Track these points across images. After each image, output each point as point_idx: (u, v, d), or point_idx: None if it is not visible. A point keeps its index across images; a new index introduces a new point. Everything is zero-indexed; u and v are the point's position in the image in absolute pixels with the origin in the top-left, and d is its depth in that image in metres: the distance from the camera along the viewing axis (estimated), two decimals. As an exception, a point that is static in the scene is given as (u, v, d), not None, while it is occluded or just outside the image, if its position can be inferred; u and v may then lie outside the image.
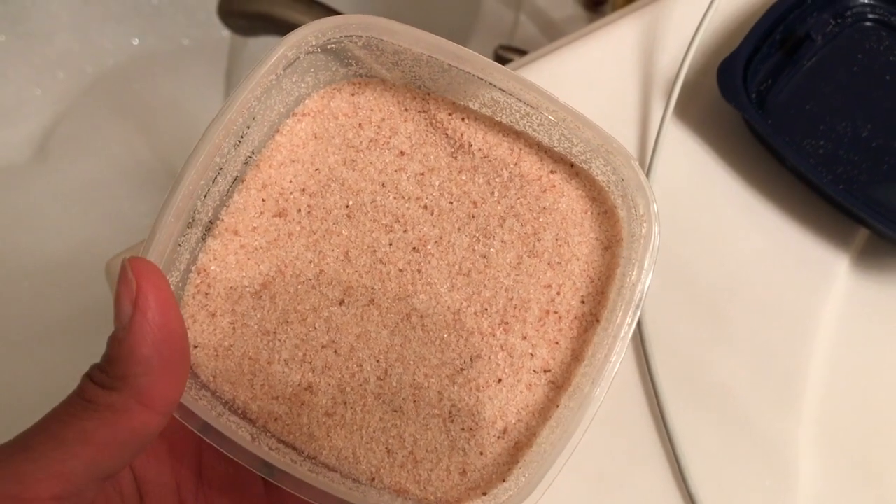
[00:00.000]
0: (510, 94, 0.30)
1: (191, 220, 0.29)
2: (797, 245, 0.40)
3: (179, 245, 0.29)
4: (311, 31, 0.29)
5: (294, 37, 0.29)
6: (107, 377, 0.23)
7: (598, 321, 0.30)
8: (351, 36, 0.30)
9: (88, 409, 0.23)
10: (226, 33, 0.71)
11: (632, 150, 0.40)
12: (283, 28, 0.60)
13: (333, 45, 0.30)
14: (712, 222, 0.39)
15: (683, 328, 0.37)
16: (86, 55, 0.87)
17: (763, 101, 0.41)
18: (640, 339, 0.37)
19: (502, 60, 0.65)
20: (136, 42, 0.88)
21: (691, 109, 0.41)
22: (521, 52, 0.63)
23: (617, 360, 0.28)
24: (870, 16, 0.43)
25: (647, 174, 0.39)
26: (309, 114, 0.32)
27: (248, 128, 0.30)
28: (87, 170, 0.79)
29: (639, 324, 0.37)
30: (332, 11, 0.61)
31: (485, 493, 0.28)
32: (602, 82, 0.42)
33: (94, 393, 0.23)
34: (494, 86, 0.30)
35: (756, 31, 0.40)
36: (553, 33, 0.71)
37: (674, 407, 0.36)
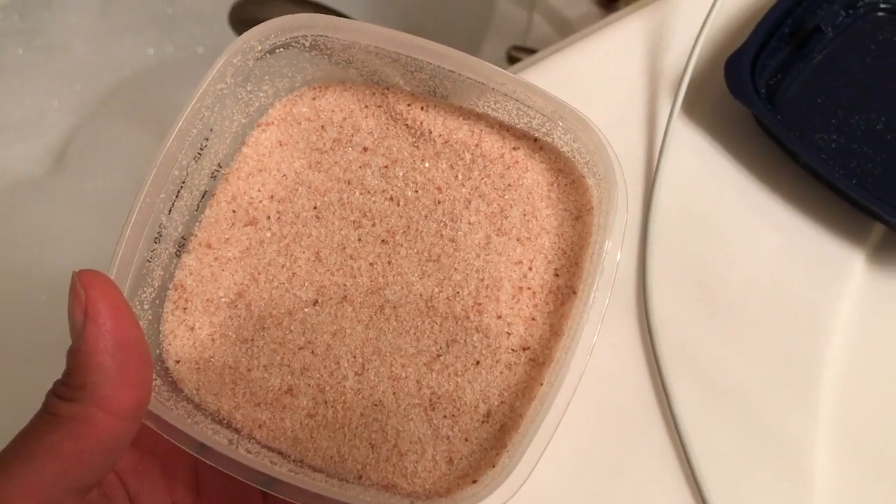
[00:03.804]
0: (461, 74, 0.29)
1: (157, 235, 0.29)
2: (811, 242, 0.38)
3: (149, 260, 0.29)
4: (254, 35, 0.29)
5: (237, 43, 0.29)
6: (67, 389, 0.23)
7: (574, 293, 0.29)
8: (297, 36, 0.30)
9: (53, 423, 0.23)
10: (240, 41, 0.73)
11: (640, 147, 0.39)
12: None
13: (282, 48, 0.30)
14: (723, 220, 0.38)
15: (695, 327, 0.36)
16: (102, 66, 0.88)
17: (773, 96, 0.39)
18: (650, 340, 0.35)
19: (514, 61, 0.65)
20: (151, 52, 0.89)
21: (699, 106, 0.40)
22: (534, 52, 0.63)
23: (593, 328, 0.27)
24: (882, 6, 0.41)
25: (656, 172, 0.38)
26: (273, 123, 0.32)
27: (207, 140, 0.30)
28: (105, 180, 0.80)
29: (649, 323, 0.35)
30: (341, 17, 0.62)
31: (475, 481, 0.27)
32: (609, 80, 0.41)
33: (57, 406, 0.23)
34: (444, 68, 0.29)
35: (764, 24, 0.39)
36: (567, 32, 0.70)
37: (685, 407, 0.34)
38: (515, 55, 0.68)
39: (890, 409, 0.35)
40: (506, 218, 0.30)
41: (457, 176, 0.30)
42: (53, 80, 0.87)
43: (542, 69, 0.41)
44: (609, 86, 0.41)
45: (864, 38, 0.40)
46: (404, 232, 0.30)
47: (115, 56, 0.88)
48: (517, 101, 0.29)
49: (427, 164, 0.31)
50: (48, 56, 0.87)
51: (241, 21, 0.69)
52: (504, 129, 0.31)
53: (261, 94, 0.32)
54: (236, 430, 0.29)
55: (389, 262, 0.30)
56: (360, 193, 0.31)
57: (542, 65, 0.41)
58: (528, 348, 0.28)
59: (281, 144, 0.32)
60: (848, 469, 0.34)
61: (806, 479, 0.34)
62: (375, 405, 0.28)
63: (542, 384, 0.28)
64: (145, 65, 0.89)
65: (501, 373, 0.28)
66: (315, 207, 0.31)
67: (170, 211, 0.29)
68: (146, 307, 0.29)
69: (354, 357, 0.29)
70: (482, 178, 0.30)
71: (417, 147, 0.31)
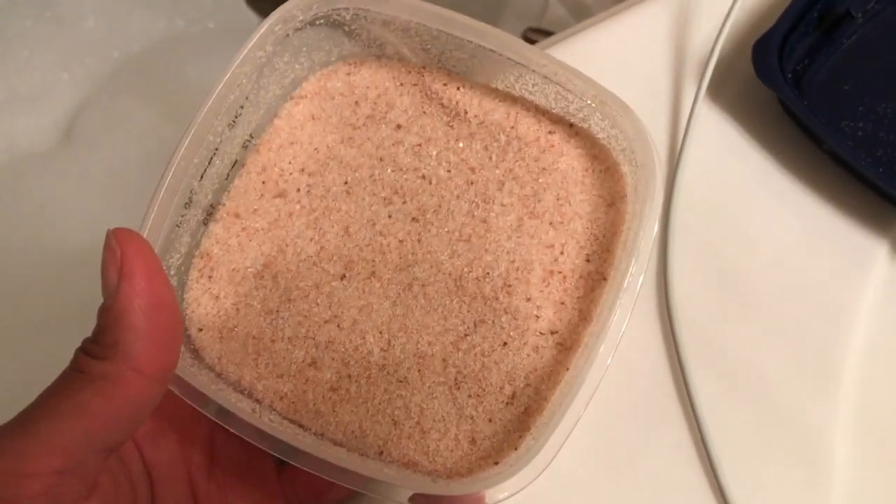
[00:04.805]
0: (501, 54, 0.29)
1: (188, 201, 0.29)
2: (834, 230, 0.37)
3: (178, 226, 0.29)
4: (297, 5, 0.29)
5: (279, 12, 0.29)
6: (98, 347, 0.23)
7: (605, 279, 0.29)
8: (338, 8, 0.30)
9: (82, 380, 0.23)
10: (252, 16, 0.70)
11: (663, 131, 0.39)
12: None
13: (322, 21, 0.30)
14: (746, 206, 0.38)
15: (716, 315, 0.36)
16: (112, 40, 0.86)
17: (799, 82, 0.39)
18: (670, 326, 0.35)
19: (530, 42, 0.65)
20: (161, 26, 0.88)
21: (725, 90, 0.40)
22: (550, 34, 0.63)
23: (623, 313, 0.27)
24: (913, -8, 0.41)
25: (679, 156, 0.37)
26: (306, 96, 0.32)
27: (242, 108, 0.30)
28: (112, 155, 0.79)
29: (669, 309, 0.35)
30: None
31: (496, 463, 0.27)
32: (632, 62, 0.40)
33: (86, 364, 0.23)
34: (485, 47, 0.29)
35: (793, 8, 0.38)
36: (583, 14, 0.70)
37: (705, 395, 0.34)
38: (531, 37, 0.68)
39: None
40: (539, 201, 0.30)
41: (491, 157, 0.30)
42: (62, 53, 0.86)
43: (562, 50, 0.40)
44: (633, 68, 0.40)
45: (894, 24, 0.40)
46: (435, 211, 0.30)
47: (124, 30, 0.87)
48: (556, 83, 0.29)
49: (461, 145, 0.31)
50: (58, 28, 0.86)
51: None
52: (540, 112, 0.31)
53: (297, 66, 0.31)
54: (257, 401, 0.29)
55: (419, 240, 0.30)
56: (392, 170, 0.31)
57: (563, 46, 0.41)
58: (556, 332, 0.28)
59: (314, 118, 0.32)
60: (867, 459, 0.34)
61: (825, 468, 0.33)
62: (400, 381, 0.28)
63: (568, 369, 0.28)
64: (155, 39, 0.87)
65: (528, 355, 0.28)
66: (346, 182, 0.31)
67: (201, 177, 0.29)
68: (172, 273, 0.29)
69: (380, 333, 0.29)
70: (516, 161, 0.30)
71: (452, 127, 0.31)
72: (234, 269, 0.30)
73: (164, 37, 0.88)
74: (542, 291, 0.29)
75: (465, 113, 0.31)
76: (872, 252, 0.37)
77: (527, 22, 0.70)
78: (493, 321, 0.28)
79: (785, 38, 0.38)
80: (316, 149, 0.32)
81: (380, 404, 0.28)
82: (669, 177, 0.38)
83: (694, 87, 0.39)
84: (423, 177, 0.30)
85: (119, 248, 0.23)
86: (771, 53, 0.37)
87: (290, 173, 0.31)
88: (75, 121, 0.83)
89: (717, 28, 0.39)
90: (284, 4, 0.29)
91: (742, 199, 0.38)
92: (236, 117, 0.30)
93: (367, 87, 0.32)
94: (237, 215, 0.31)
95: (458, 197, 0.30)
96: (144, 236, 0.27)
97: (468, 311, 0.29)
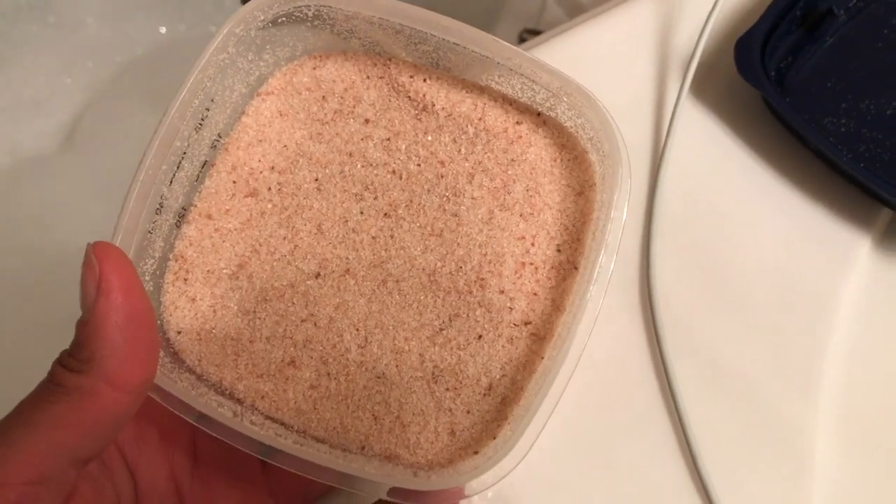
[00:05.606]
0: (465, 48, 0.29)
1: (158, 206, 0.29)
2: (817, 226, 0.38)
3: (150, 232, 0.29)
4: (257, 5, 0.29)
5: (240, 13, 0.29)
6: (74, 360, 0.23)
7: (576, 269, 0.29)
8: (300, 6, 0.29)
9: (57, 393, 0.23)
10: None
11: (647, 128, 0.39)
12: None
13: (284, 18, 0.30)
14: (730, 203, 0.38)
15: (698, 310, 0.36)
16: (114, 44, 0.87)
17: (782, 79, 0.39)
18: (652, 321, 0.35)
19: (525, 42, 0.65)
20: (163, 30, 0.89)
21: (708, 88, 0.40)
22: (546, 34, 0.63)
23: (596, 301, 0.27)
24: (895, -11, 0.41)
25: (662, 154, 0.37)
26: (273, 92, 0.32)
27: (208, 110, 0.30)
28: (115, 158, 0.79)
29: (651, 304, 0.35)
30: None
31: (476, 452, 0.28)
32: (618, 60, 0.40)
33: (62, 377, 0.23)
34: (448, 41, 0.29)
35: (775, 6, 0.38)
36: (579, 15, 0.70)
37: (686, 389, 0.34)
38: (527, 37, 0.68)
39: (891, 393, 0.35)
40: (509, 193, 0.30)
41: (460, 150, 0.30)
42: (66, 58, 0.86)
43: (550, 49, 0.40)
44: (618, 66, 0.40)
45: (876, 22, 0.40)
46: (407, 206, 0.30)
47: (127, 34, 0.88)
48: (522, 75, 0.29)
49: (430, 138, 0.31)
50: (61, 33, 0.87)
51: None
52: (508, 102, 0.31)
53: (261, 64, 0.31)
54: (238, 401, 0.29)
55: (392, 236, 0.30)
56: (362, 166, 0.31)
57: (550, 44, 0.41)
58: (530, 323, 0.29)
59: (281, 114, 0.32)
60: (848, 454, 0.34)
61: (806, 463, 0.34)
62: (378, 377, 0.28)
63: (543, 358, 0.28)
64: (157, 43, 0.88)
65: (503, 347, 0.29)
66: (316, 179, 0.31)
67: (171, 182, 0.29)
68: (147, 278, 0.29)
69: (357, 330, 0.29)
70: (485, 153, 0.30)
71: (420, 120, 0.31)
72: (208, 271, 0.30)
73: (166, 41, 0.89)
74: (514, 283, 0.29)
75: (433, 105, 0.31)
76: (855, 247, 0.37)
77: (524, 23, 0.70)
78: (468, 315, 0.29)
79: (767, 36, 0.38)
80: (285, 146, 0.31)
81: (359, 400, 0.28)
82: (652, 173, 0.38)
83: (678, 84, 0.39)
84: (394, 171, 0.31)
85: (97, 263, 0.24)
86: (753, 51, 0.37)
87: (261, 172, 0.31)
88: (78, 125, 0.84)
89: (700, 26, 0.38)
90: (244, 6, 0.29)
91: (725, 196, 0.38)
92: (202, 120, 0.30)
93: (334, 81, 0.32)
94: (209, 216, 0.31)
95: (428, 191, 0.30)
96: (117, 245, 0.27)
97: (443, 306, 0.29)
